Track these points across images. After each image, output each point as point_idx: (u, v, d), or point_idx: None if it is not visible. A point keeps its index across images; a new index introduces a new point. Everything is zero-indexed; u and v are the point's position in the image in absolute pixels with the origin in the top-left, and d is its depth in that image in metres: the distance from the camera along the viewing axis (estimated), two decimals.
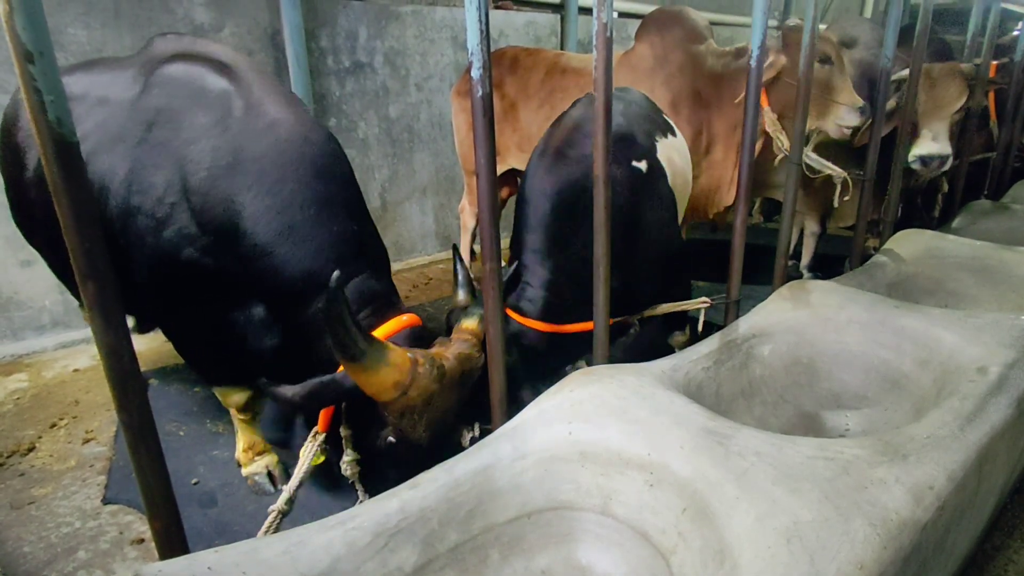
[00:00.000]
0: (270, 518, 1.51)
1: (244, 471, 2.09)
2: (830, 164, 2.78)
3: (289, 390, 1.44)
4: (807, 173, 2.71)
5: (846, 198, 2.87)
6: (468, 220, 3.88)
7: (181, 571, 1.03)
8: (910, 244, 2.76)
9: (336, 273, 1.24)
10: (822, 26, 3.59)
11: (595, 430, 1.40)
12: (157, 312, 1.83)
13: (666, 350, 2.58)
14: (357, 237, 1.71)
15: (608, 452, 1.37)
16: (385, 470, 1.58)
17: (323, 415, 1.59)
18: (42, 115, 0.90)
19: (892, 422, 1.77)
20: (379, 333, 1.59)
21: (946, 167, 3.12)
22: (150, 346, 3.08)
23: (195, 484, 2.11)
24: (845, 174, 2.74)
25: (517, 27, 4.77)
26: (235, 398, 1.99)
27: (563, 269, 1.90)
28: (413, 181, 4.45)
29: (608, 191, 1.66)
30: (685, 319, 2.48)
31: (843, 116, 2.76)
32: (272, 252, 1.60)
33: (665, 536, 1.26)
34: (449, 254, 4.40)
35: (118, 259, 1.71)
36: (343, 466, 1.58)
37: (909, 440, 1.29)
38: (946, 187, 3.89)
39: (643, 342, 2.72)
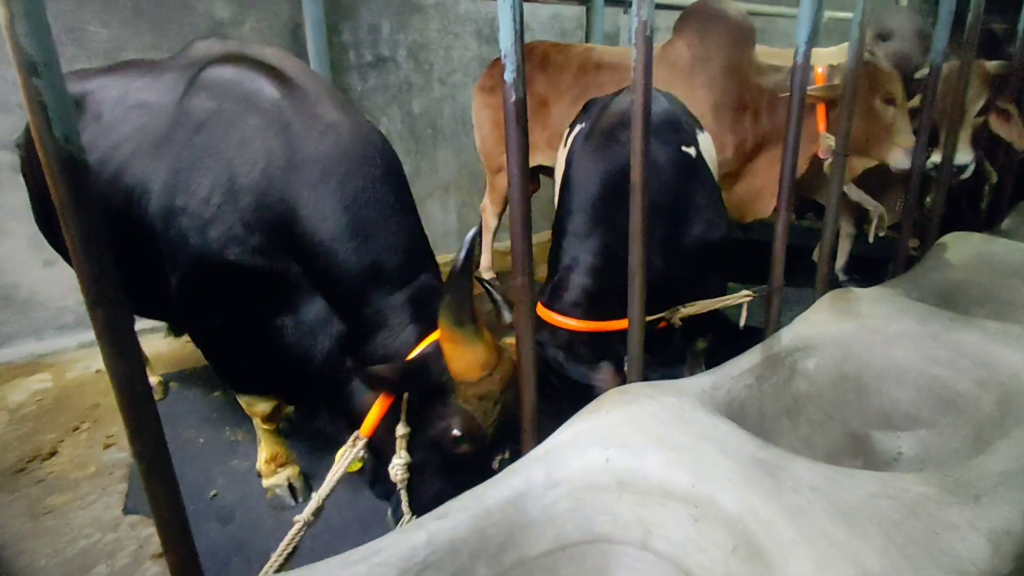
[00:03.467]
0: (294, 529, 1.44)
1: (265, 482, 2.05)
2: (869, 199, 2.72)
3: (384, 369, 1.45)
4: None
5: (881, 234, 2.81)
6: (490, 220, 3.80)
7: None
8: (958, 248, 2.62)
9: (474, 229, 1.34)
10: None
11: (634, 457, 1.32)
12: (191, 315, 1.80)
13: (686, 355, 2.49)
14: (418, 235, 1.72)
15: (648, 482, 1.29)
16: (432, 479, 1.54)
17: (372, 417, 1.55)
18: (47, 132, 0.83)
19: (950, 447, 1.66)
20: None
21: (965, 175, 2.99)
22: (170, 348, 3.07)
23: (213, 497, 2.07)
24: (883, 210, 2.69)
25: (542, 20, 4.65)
26: (261, 407, 1.95)
27: (608, 252, 1.82)
28: (436, 178, 4.38)
29: (645, 198, 1.56)
30: (710, 324, 2.38)
31: (900, 159, 2.68)
32: (337, 249, 1.59)
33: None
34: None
35: (156, 263, 1.71)
36: (392, 470, 1.51)
37: (980, 477, 1.18)
38: (994, 177, 3.68)
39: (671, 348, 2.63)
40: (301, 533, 1.43)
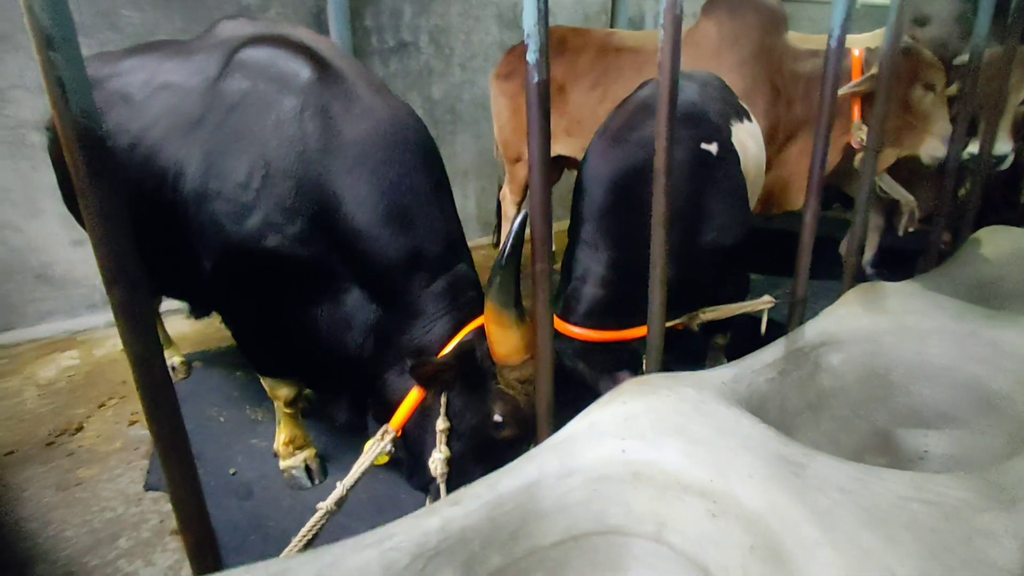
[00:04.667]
0: (317, 515, 1.43)
1: (282, 464, 2.06)
2: (902, 190, 2.61)
3: (436, 362, 1.47)
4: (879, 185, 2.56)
5: (911, 229, 2.70)
6: (509, 209, 3.75)
7: None
8: (994, 242, 2.50)
9: (524, 213, 1.34)
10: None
11: (651, 449, 1.28)
12: (224, 300, 1.80)
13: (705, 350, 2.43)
14: (455, 223, 1.71)
15: (665, 474, 1.25)
16: (473, 468, 1.53)
17: (404, 411, 1.55)
18: (65, 107, 0.81)
19: (980, 446, 1.59)
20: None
21: (1004, 166, 2.85)
22: (194, 327, 3.10)
23: (233, 474, 2.09)
24: (915, 204, 2.58)
25: (565, 5, 4.55)
26: (284, 391, 1.95)
27: (618, 262, 1.76)
28: (455, 163, 4.34)
29: (668, 182, 1.51)
30: (730, 319, 2.32)
31: (936, 147, 2.57)
32: (376, 236, 1.57)
33: (728, 573, 1.13)
34: (491, 239, 4.27)
35: (187, 244, 1.70)
36: (432, 464, 1.52)
37: (1017, 481, 1.12)
38: None
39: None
40: (323, 521, 1.43)
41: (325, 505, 1.43)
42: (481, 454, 1.54)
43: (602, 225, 1.81)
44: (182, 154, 1.66)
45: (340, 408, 1.80)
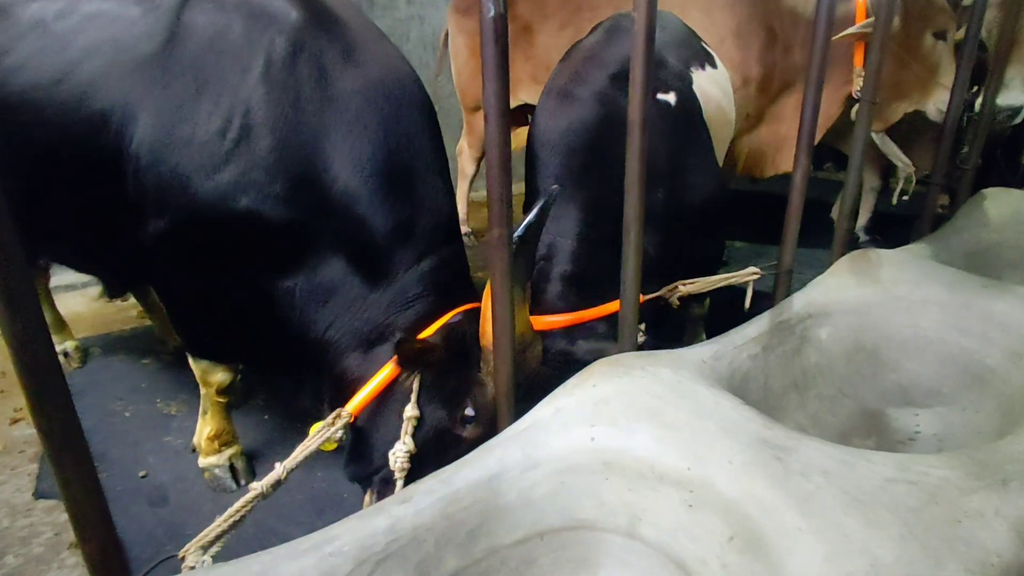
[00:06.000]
0: (248, 496, 1.40)
1: (202, 461, 2.03)
2: (901, 154, 2.71)
3: (425, 341, 1.52)
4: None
5: (905, 198, 2.82)
6: (467, 165, 3.72)
7: None
8: (994, 206, 2.63)
9: (554, 191, 1.43)
10: None
11: (623, 436, 1.32)
12: (167, 269, 1.76)
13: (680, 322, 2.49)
14: (451, 195, 1.72)
15: (638, 463, 1.29)
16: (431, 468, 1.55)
17: (367, 394, 1.57)
18: None
19: (972, 425, 1.70)
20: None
21: (1017, 119, 2.99)
22: (91, 307, 2.99)
23: (143, 477, 2.05)
24: (913, 169, 2.69)
25: None
26: (220, 376, 1.92)
27: (586, 236, 1.78)
28: None
29: (645, 138, 1.52)
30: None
31: (944, 100, 2.66)
32: (372, 202, 1.58)
33: (705, 567, 1.19)
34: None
35: (119, 205, 1.64)
36: (392, 457, 1.52)
37: (1008, 459, 1.21)
38: None
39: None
40: (252, 504, 1.39)
41: (260, 486, 1.38)
42: (445, 450, 1.56)
43: (563, 194, 1.82)
44: (131, 96, 1.59)
45: (304, 393, 1.80)
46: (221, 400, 1.99)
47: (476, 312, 1.66)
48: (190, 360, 1.92)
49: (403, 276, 1.63)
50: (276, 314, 1.67)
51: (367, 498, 1.64)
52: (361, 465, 1.63)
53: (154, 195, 1.60)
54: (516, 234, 1.39)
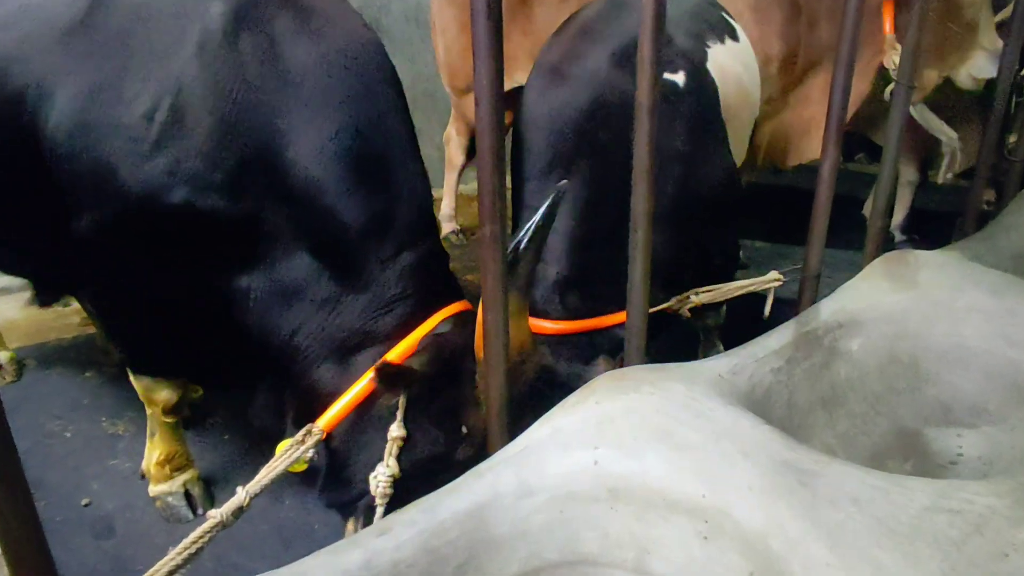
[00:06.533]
0: (206, 525, 1.39)
1: (153, 489, 2.04)
2: (944, 126, 2.71)
3: (412, 361, 1.53)
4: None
5: (949, 175, 2.82)
6: (455, 154, 3.74)
7: None
8: None
9: (563, 185, 1.45)
10: None
11: (630, 459, 1.33)
12: (98, 271, 1.75)
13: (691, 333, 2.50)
14: (426, 184, 1.73)
15: (647, 490, 1.30)
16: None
17: (341, 410, 1.57)
18: None
19: (1021, 446, 1.71)
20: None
21: None
22: (26, 314, 2.99)
23: (86, 505, 2.06)
24: (958, 144, 2.69)
25: None
26: (165, 393, 1.92)
27: (581, 235, 1.79)
28: None
29: (654, 124, 1.53)
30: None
31: (981, 66, 2.67)
32: (339, 190, 1.57)
33: None
34: (437, 194, 4.27)
35: (41, 197, 1.63)
36: (373, 481, 1.52)
37: None
38: None
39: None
40: (210, 535, 1.39)
41: (219, 514, 1.38)
42: (433, 475, 1.55)
43: (540, 185, 1.83)
44: (48, 71, 1.58)
45: (256, 410, 1.80)
46: (168, 420, 1.99)
47: (465, 315, 1.66)
48: (131, 376, 1.92)
49: (380, 275, 1.62)
50: (230, 318, 1.66)
51: (349, 527, 1.64)
52: (340, 491, 1.63)
53: (76, 187, 1.59)
54: (520, 241, 1.41)
